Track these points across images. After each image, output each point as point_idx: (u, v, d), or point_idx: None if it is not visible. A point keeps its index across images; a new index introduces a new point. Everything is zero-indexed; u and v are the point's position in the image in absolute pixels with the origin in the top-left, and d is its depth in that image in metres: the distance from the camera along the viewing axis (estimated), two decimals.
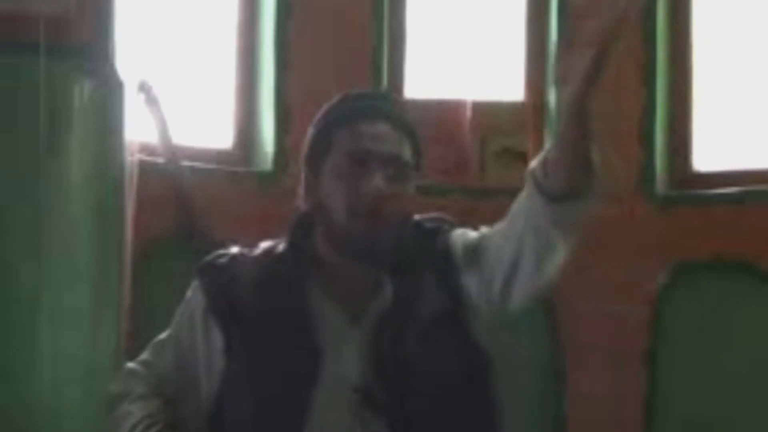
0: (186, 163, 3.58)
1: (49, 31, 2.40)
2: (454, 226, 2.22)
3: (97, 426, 2.33)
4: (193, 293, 2.19)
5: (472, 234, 2.20)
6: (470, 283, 2.14)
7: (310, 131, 2.19)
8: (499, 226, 2.17)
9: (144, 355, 2.24)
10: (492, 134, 4.00)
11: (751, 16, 4.05)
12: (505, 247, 2.09)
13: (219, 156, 3.85)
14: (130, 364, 2.24)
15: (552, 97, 3.99)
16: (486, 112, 4.01)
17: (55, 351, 2.48)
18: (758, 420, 3.75)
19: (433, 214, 2.24)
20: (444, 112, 3.96)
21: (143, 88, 3.44)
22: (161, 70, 3.68)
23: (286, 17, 3.85)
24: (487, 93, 4.08)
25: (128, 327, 3.01)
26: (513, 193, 4.16)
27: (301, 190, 2.18)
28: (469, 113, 3.99)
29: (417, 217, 2.21)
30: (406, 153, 2.13)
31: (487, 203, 3.86)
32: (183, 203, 3.52)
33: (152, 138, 3.50)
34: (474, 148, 3.98)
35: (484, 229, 2.20)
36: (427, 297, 2.13)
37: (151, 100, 3.46)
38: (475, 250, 2.15)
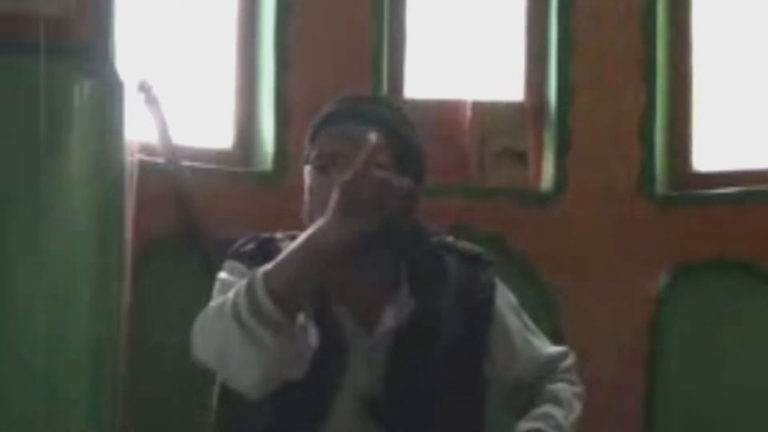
0: (186, 163, 3.58)
1: (49, 31, 2.40)
2: (494, 263, 2.24)
3: (98, 425, 2.33)
4: (231, 271, 2.12)
5: (513, 325, 2.24)
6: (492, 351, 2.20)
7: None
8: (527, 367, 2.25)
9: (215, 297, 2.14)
10: (492, 134, 4.00)
11: (751, 16, 4.05)
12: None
13: (219, 156, 3.85)
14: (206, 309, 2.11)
15: (552, 97, 4.00)
16: (486, 112, 4.01)
17: (55, 351, 2.48)
18: (758, 420, 3.75)
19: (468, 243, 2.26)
20: (444, 112, 3.96)
21: (143, 88, 3.44)
22: (161, 70, 3.68)
23: (286, 17, 3.85)
24: (487, 93, 4.08)
25: (128, 327, 3.01)
26: (512, 193, 4.17)
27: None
28: (469, 113, 3.99)
29: (450, 239, 2.23)
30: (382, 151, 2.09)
31: (487, 203, 3.87)
32: (183, 203, 3.52)
33: (152, 138, 3.50)
34: (473, 148, 3.98)
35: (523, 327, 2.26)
36: (450, 315, 2.14)
37: (151, 100, 3.46)
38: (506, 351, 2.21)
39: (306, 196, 2.13)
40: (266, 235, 2.21)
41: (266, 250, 2.14)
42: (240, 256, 2.15)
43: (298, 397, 2.05)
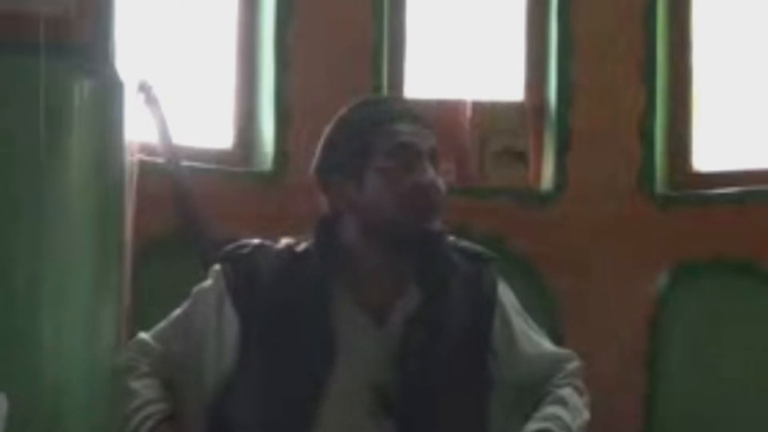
0: (186, 163, 3.58)
1: (49, 31, 2.39)
2: (496, 261, 2.27)
3: (97, 426, 2.33)
4: (215, 280, 2.21)
5: (516, 321, 2.26)
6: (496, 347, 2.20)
7: (335, 138, 2.20)
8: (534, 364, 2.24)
9: (157, 330, 2.25)
10: (492, 134, 4.00)
11: (751, 16, 4.05)
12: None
13: (219, 156, 3.85)
14: (143, 335, 2.25)
15: (552, 97, 4.00)
16: (486, 112, 4.01)
17: (56, 351, 2.48)
18: (758, 420, 3.74)
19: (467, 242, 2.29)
20: (444, 112, 3.96)
21: (143, 88, 3.44)
22: (161, 70, 3.68)
23: (286, 17, 3.85)
24: (487, 93, 4.08)
25: (128, 327, 3.01)
26: (512, 192, 4.17)
27: (322, 196, 2.20)
28: (469, 113, 3.99)
29: (451, 238, 2.25)
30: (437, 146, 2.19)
31: (487, 203, 3.87)
32: (182, 203, 3.52)
33: (152, 138, 3.49)
34: (474, 148, 3.98)
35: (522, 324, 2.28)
36: (457, 310, 2.16)
37: (151, 100, 3.46)
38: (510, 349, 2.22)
39: (378, 187, 2.13)
40: (258, 241, 2.23)
41: (254, 259, 2.17)
42: (227, 260, 2.20)
43: (288, 387, 2.07)
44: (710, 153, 4.04)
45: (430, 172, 2.14)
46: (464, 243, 2.28)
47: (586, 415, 2.24)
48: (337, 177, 2.18)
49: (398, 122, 2.17)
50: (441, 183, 2.17)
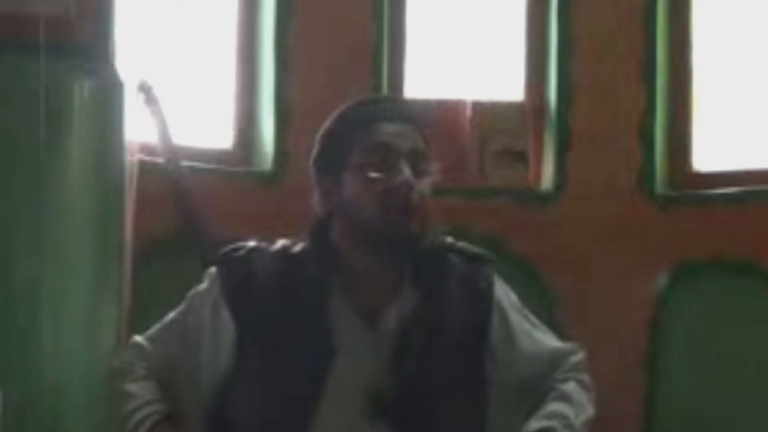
0: (186, 163, 3.58)
1: (49, 31, 2.39)
2: (493, 262, 2.26)
3: (97, 426, 2.33)
4: (210, 283, 2.20)
5: (514, 318, 2.25)
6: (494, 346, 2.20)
7: (324, 137, 2.20)
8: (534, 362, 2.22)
9: (153, 332, 2.26)
10: (492, 134, 4.00)
11: (751, 17, 4.05)
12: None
13: (219, 156, 3.85)
14: (138, 338, 2.25)
15: (552, 97, 4.00)
16: (486, 112, 4.01)
17: (56, 351, 2.48)
18: (758, 420, 3.75)
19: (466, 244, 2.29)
20: (444, 112, 3.96)
21: (143, 88, 3.44)
22: (161, 70, 3.68)
23: (286, 17, 3.86)
24: (487, 93, 4.08)
25: (128, 327, 3.01)
26: (512, 193, 4.17)
27: (315, 196, 2.19)
28: (469, 113, 4.00)
29: (449, 239, 2.24)
30: (424, 147, 2.17)
31: (487, 203, 3.87)
32: (182, 203, 3.52)
33: (152, 138, 3.49)
34: (474, 148, 3.99)
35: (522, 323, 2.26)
36: (455, 310, 2.15)
37: (151, 100, 3.46)
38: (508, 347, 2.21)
39: (356, 187, 2.12)
40: (254, 243, 2.23)
41: (249, 262, 2.17)
42: (222, 263, 2.19)
43: (287, 387, 2.06)
44: (710, 153, 4.04)
45: (406, 173, 2.11)
46: (461, 244, 2.28)
47: (590, 410, 2.22)
48: (325, 176, 2.18)
49: (381, 122, 2.15)
50: (424, 184, 2.13)
